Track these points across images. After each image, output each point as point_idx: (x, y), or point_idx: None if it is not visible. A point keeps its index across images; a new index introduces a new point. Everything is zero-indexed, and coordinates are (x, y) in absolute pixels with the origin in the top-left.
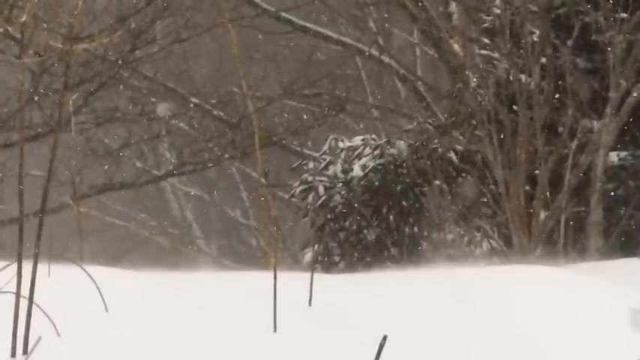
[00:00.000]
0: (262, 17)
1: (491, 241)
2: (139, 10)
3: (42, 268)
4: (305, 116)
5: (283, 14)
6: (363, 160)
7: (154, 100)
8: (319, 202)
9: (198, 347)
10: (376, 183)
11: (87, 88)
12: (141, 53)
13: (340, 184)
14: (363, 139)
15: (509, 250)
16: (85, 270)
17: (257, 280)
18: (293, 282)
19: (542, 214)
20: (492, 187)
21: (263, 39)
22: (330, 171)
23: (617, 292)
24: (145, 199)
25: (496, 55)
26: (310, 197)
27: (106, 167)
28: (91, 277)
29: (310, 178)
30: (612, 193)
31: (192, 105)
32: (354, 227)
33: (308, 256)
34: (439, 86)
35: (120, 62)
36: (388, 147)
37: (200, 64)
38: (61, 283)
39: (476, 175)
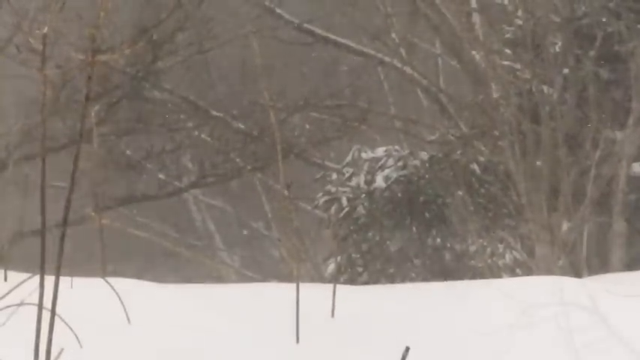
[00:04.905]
0: (284, 28)
1: (514, 252)
2: (161, 21)
3: (64, 280)
4: (327, 127)
5: (305, 25)
6: (386, 172)
7: (175, 111)
8: (342, 213)
9: (221, 359)
10: (399, 194)
11: (109, 100)
12: (162, 65)
13: (363, 195)
14: (385, 150)
15: (532, 261)
16: (107, 282)
17: (279, 291)
18: (316, 293)
19: (565, 225)
20: (515, 198)
21: (285, 50)
22: (353, 182)
23: None
24: (167, 211)
25: (518, 66)
26: (333, 208)
27: (128, 179)
28: (114, 289)
29: (333, 189)
30: (635, 204)
31: (213, 116)
32: (377, 238)
33: (331, 267)
34: (461, 97)
35: (141, 74)
36: (411, 158)
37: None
38: (84, 295)
39: (498, 186)
